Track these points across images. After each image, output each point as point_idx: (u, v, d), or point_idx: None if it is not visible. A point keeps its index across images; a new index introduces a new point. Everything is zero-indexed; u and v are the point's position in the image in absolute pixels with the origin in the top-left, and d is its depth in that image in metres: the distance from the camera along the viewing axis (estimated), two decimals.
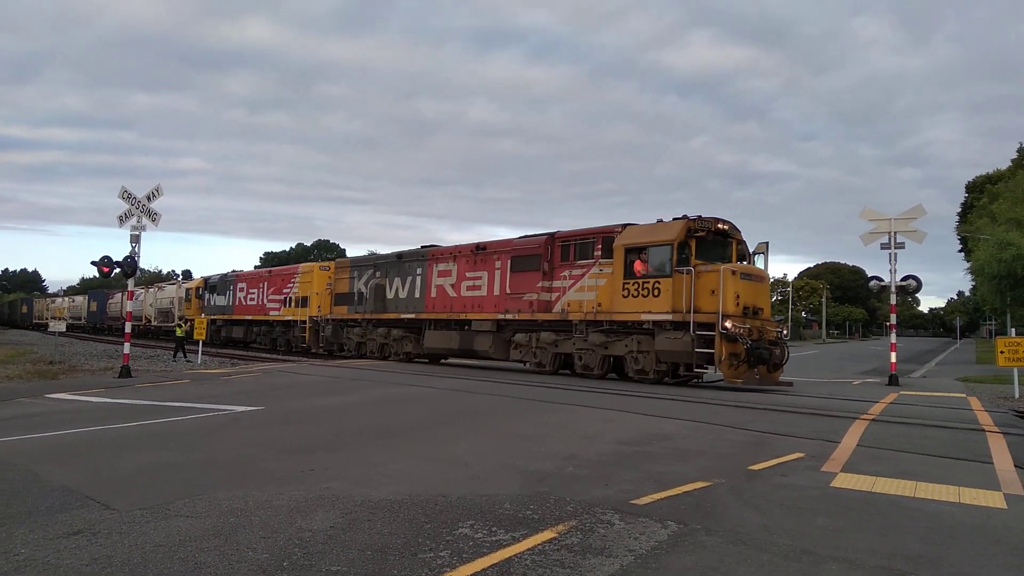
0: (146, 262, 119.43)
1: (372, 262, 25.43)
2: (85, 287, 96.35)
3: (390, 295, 23.81)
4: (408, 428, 9.60)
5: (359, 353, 25.16)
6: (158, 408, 11.72)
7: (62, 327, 31.65)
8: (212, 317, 36.09)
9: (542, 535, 4.71)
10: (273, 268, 33.71)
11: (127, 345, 18.96)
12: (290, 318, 29.36)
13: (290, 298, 29.61)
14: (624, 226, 16.79)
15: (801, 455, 7.44)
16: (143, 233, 18.08)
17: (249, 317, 33.40)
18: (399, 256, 23.97)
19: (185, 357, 25.48)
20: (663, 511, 5.28)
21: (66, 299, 67.91)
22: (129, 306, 20.19)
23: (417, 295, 22.64)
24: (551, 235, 18.44)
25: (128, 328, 19.51)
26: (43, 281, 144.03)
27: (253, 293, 33.27)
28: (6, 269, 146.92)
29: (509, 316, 19.15)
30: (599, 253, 17.08)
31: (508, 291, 19.28)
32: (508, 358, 19.87)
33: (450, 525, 4.94)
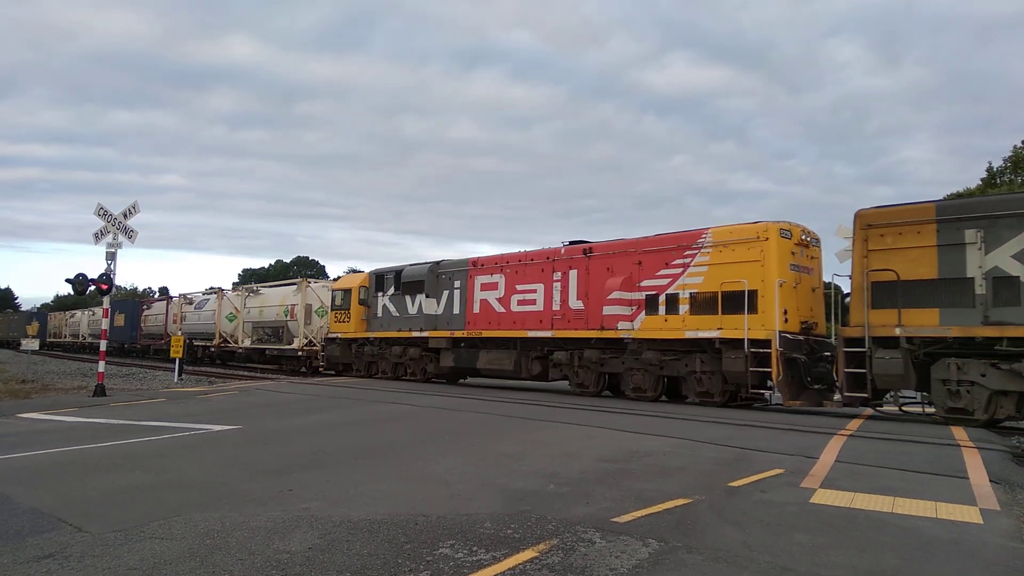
0: (122, 279, 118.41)
1: None
2: (59, 305, 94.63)
3: None
4: (389, 447, 9.52)
5: None
6: (133, 428, 11.54)
7: (34, 345, 30.73)
8: (415, 335, 20.99)
9: (523, 554, 4.69)
10: (594, 245, 17.40)
11: (101, 363, 18.79)
12: (708, 334, 14.31)
13: (675, 295, 15.16)
14: None
15: (780, 471, 7.48)
16: (119, 250, 18.09)
17: (540, 334, 17.61)
18: None
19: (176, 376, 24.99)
20: (644, 529, 5.28)
21: (85, 312, 61.63)
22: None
23: None
24: None
25: (103, 347, 19.28)
26: (16, 298, 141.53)
27: (530, 292, 18.13)
28: None
29: None
30: None
31: None
32: None
33: (430, 545, 4.90)
